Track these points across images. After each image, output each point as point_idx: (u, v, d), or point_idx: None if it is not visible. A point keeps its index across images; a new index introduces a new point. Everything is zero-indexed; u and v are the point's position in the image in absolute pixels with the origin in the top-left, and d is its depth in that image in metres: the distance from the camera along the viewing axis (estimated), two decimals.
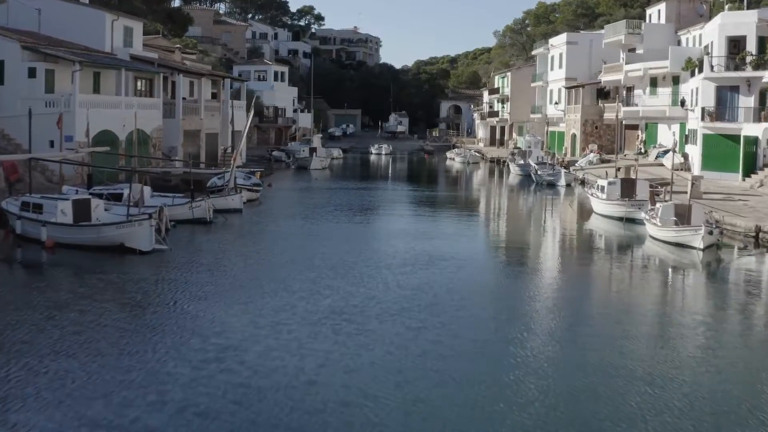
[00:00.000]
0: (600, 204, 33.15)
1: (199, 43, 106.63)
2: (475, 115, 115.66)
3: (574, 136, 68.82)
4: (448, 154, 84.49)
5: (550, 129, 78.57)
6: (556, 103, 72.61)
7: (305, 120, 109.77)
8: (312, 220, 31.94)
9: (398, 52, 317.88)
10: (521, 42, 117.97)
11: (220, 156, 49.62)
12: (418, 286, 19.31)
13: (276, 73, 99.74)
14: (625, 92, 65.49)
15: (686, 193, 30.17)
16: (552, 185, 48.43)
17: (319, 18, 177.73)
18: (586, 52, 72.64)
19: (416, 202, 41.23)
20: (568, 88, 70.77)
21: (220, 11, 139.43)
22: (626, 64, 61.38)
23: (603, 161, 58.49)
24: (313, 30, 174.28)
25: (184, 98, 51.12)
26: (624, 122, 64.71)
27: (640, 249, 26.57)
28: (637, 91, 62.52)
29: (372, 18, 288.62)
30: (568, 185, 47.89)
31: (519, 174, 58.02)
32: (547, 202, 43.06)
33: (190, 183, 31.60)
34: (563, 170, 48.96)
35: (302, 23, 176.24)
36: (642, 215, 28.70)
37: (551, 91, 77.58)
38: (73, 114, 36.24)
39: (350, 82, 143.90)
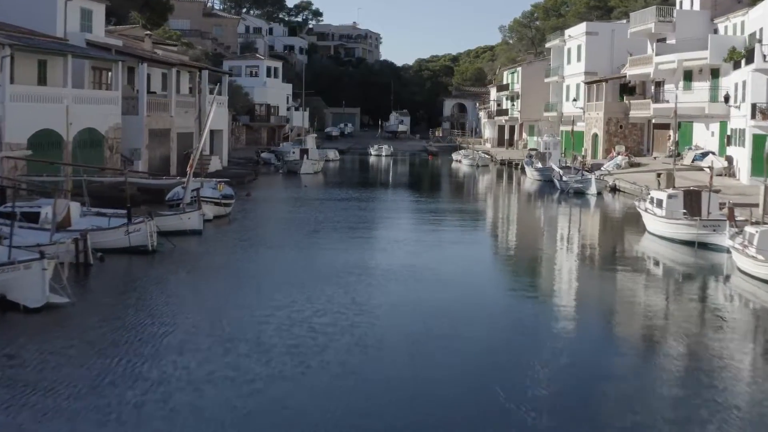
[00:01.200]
0: (657, 222, 26.23)
1: (186, 36, 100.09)
2: (481, 113, 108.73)
3: (595, 136, 61.91)
4: (454, 156, 77.56)
5: (566, 128, 71.61)
6: (574, 100, 65.76)
7: (300, 119, 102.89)
8: (289, 248, 24.70)
9: (398, 51, 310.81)
10: (530, 36, 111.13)
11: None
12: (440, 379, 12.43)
13: (269, 69, 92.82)
14: (653, 87, 58.64)
15: (755, 206, 23.55)
16: (580, 194, 41.53)
17: (317, 14, 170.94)
18: (608, 44, 65.76)
19: (422, 219, 33.59)
20: (588, 84, 63.87)
21: (213, 5, 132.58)
22: (656, 55, 54.52)
23: (632, 165, 51.66)
24: (310, 26, 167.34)
25: (153, 92, 44.26)
26: (653, 121, 57.92)
27: (730, 289, 19.73)
28: (668, 86, 55.62)
29: (372, 15, 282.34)
30: (598, 194, 41.01)
31: (537, 179, 51.15)
32: (581, 215, 36.25)
33: (149, 193, 24.93)
34: (593, 176, 42.08)
35: (299, 19, 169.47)
36: (726, 242, 21.74)
37: (568, 87, 70.68)
38: (2, 109, 29.41)
39: (349, 80, 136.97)
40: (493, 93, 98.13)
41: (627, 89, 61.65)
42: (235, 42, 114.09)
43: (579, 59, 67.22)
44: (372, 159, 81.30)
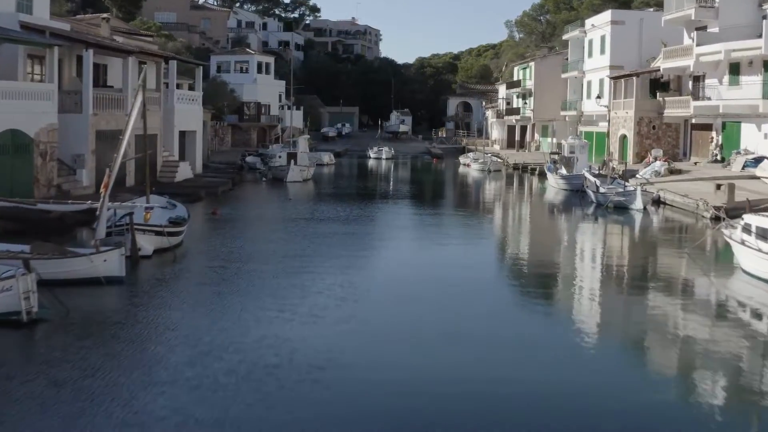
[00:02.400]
0: (760, 261, 18.99)
1: (172, 30, 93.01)
2: (489, 112, 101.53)
3: (623, 138, 54.71)
4: (462, 159, 70.33)
5: (586, 129, 64.48)
6: (598, 97, 58.51)
7: (294, 118, 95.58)
8: (250, 310, 15.67)
9: (398, 49, 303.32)
10: (540, 30, 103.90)
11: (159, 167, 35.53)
12: None
13: (260, 64, 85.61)
14: (690, 83, 51.46)
15: None
16: (621, 208, 34.27)
17: (315, 9, 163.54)
18: (635, 34, 58.65)
19: (431, 245, 26.40)
20: (615, 79, 56.64)
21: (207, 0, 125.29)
22: (697, 45, 47.31)
23: (672, 172, 44.43)
24: (307, 21, 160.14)
25: (110, 86, 37.05)
26: (691, 121, 50.73)
27: None
28: (709, 81, 48.46)
29: (371, 12, 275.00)
30: (644, 208, 33.76)
31: (562, 188, 43.94)
32: (633, 240, 29.01)
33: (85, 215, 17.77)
34: (638, 187, 34.79)
35: (296, 15, 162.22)
36: None
37: (589, 83, 63.48)
38: None
39: (347, 77, 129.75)
40: (502, 90, 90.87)
41: (659, 85, 54.47)
42: (224, 36, 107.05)
43: (603, 51, 60.03)
44: (371, 162, 74.11)
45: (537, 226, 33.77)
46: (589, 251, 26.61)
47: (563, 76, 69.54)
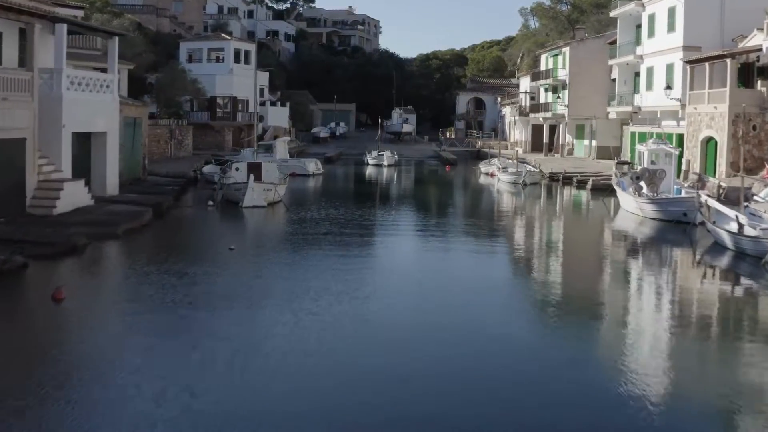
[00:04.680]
0: None
1: (138, 13, 78.87)
2: (506, 110, 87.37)
3: (709, 141, 40.55)
4: (483, 167, 56.13)
5: (640, 129, 50.37)
6: (668, 87, 44.38)
7: (279, 116, 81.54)
8: None
9: (399, 45, 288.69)
10: (565, 15, 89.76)
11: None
12: None
13: (237, 53, 71.30)
14: None
15: None
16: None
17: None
18: (716, 6, 44.47)
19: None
20: (693, 63, 42.42)
21: None
22: None
23: None
24: (299, 10, 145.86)
25: None
26: None
27: None
28: None
29: (369, 4, 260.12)
30: None
31: (651, 216, 29.80)
32: None
33: None
34: None
35: (288, 4, 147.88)
36: None
37: (649, 70, 49.28)
38: None
39: (343, 71, 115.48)
40: (525, 83, 76.64)
41: (752, 71, 40.41)
42: (199, 21, 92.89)
43: (672, 29, 45.81)
44: (369, 171, 59.82)
45: (665, 308, 18.93)
46: None
47: (611, 62, 55.45)
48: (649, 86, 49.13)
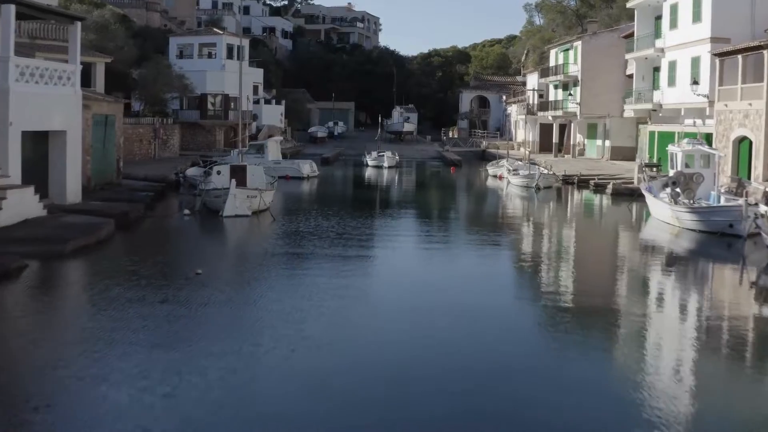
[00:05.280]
0: None
1: (127, 7, 75.23)
2: (512, 108, 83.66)
3: (742, 141, 36.79)
4: (490, 169, 52.40)
5: (660, 128, 46.71)
6: (694, 83, 40.62)
7: (274, 115, 77.79)
8: None
9: (399, 43, 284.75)
10: (574, 9, 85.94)
11: None
12: None
13: (230, 48, 67.46)
14: None
15: None
16: None
17: None
18: None
19: None
20: (723, 56, 38.62)
21: None
22: None
23: None
24: (297, 7, 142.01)
25: None
26: None
27: None
28: None
29: (369, 3, 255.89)
30: None
31: (690, 227, 26.05)
32: None
33: None
34: None
35: (285, 1, 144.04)
36: None
37: (671, 65, 45.53)
38: None
39: (341, 69, 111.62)
40: (532, 80, 72.87)
41: None
42: (191, 16, 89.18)
43: (698, 19, 42.02)
44: (368, 173, 56.02)
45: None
46: None
47: (628, 56, 51.65)
48: (672, 82, 45.36)
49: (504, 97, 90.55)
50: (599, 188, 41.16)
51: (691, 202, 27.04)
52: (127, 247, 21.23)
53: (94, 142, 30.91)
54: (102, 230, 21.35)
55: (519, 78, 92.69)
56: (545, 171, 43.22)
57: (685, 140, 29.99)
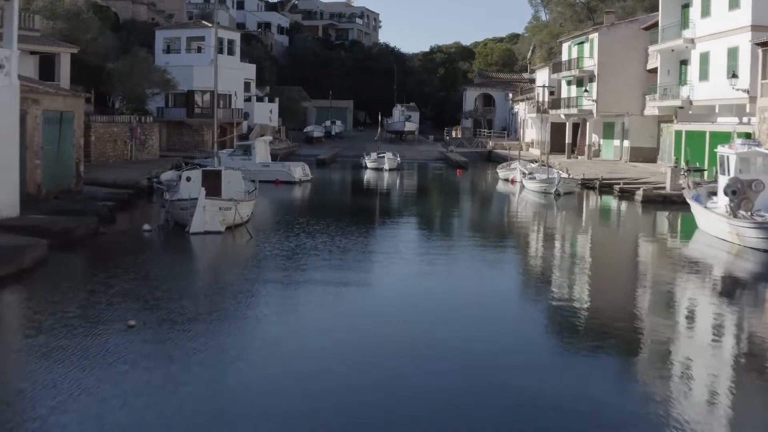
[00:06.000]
0: None
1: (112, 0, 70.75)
2: (520, 106, 79.18)
3: None
4: (501, 173, 47.90)
5: (687, 127, 42.29)
6: (733, 76, 36.10)
7: (267, 113, 73.35)
8: None
9: (398, 42, 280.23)
10: (584, 2, 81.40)
11: None
12: None
13: (221, 42, 62.70)
14: None
15: None
16: None
17: None
18: None
19: None
20: (765, 46, 34.11)
21: None
22: None
23: None
24: (295, 2, 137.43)
25: None
26: None
27: None
28: None
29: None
30: None
31: (752, 246, 21.57)
32: None
33: None
34: None
35: None
36: None
37: (703, 57, 41.04)
38: None
39: (340, 66, 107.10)
40: (542, 76, 68.36)
41: None
42: (181, 9, 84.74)
43: (735, 5, 37.54)
44: (367, 176, 51.46)
45: None
46: None
47: (652, 48, 47.24)
48: (704, 75, 40.87)
49: (510, 95, 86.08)
50: (626, 194, 36.66)
51: (750, 213, 22.56)
52: (56, 279, 16.56)
53: (46, 143, 26.44)
54: (26, 255, 16.86)
55: (526, 75, 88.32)
56: (565, 176, 38.67)
57: (739, 141, 25.46)
